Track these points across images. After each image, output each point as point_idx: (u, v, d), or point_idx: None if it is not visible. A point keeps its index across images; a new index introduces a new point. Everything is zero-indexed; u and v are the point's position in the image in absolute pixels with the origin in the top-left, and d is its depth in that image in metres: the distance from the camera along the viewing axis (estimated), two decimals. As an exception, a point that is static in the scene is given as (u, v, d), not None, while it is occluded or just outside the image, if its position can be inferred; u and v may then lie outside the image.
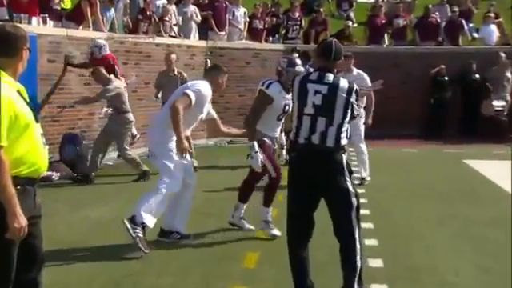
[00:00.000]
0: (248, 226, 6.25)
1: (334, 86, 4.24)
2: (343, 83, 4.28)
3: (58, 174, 9.05)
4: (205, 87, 5.80)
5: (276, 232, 5.93)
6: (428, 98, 14.76)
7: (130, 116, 9.15)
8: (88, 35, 10.72)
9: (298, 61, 6.02)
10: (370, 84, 8.81)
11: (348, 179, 4.25)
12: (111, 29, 12.12)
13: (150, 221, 5.49)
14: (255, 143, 5.67)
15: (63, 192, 8.23)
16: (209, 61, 13.39)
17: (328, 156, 4.22)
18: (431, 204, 7.73)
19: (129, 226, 5.41)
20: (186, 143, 5.57)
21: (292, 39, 15.71)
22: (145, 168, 9.02)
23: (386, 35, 16.17)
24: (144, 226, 5.46)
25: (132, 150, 9.31)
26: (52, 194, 7.80)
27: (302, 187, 4.30)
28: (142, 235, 5.44)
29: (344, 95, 4.24)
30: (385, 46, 16.07)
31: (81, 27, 11.15)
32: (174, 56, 10.21)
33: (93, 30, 11.14)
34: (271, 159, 5.92)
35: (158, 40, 12.42)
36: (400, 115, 14.31)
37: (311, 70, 5.27)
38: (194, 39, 14.05)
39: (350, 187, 4.24)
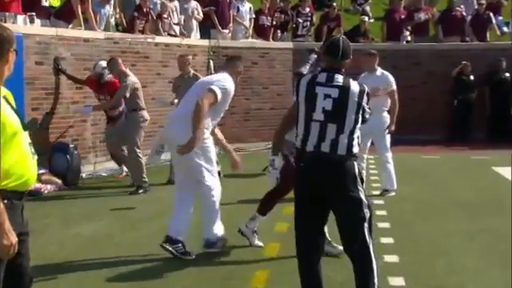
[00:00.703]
0: (257, 242, 6.24)
1: (344, 89, 4.23)
2: (354, 85, 4.26)
3: (53, 186, 9.10)
4: (230, 83, 5.92)
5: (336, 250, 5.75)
6: (452, 99, 14.76)
7: (146, 114, 9.20)
8: (80, 35, 10.76)
9: None
10: (394, 86, 8.77)
11: (361, 188, 4.25)
12: (106, 28, 12.15)
13: (219, 230, 5.95)
14: (276, 159, 5.56)
15: (54, 207, 8.25)
16: (212, 62, 13.41)
17: (339, 165, 4.21)
18: (457, 216, 7.70)
19: (211, 250, 5.91)
20: (195, 146, 5.61)
21: (302, 36, 15.74)
22: (146, 179, 9.03)
23: (405, 31, 16.16)
24: (221, 239, 5.95)
25: (143, 156, 9.14)
26: (42, 208, 7.84)
27: (311, 198, 4.28)
28: (221, 246, 5.97)
29: (356, 99, 4.23)
30: (404, 43, 16.08)
31: (71, 26, 11.19)
32: (189, 57, 10.23)
33: (85, 29, 11.18)
34: None
35: (156, 39, 12.45)
36: (421, 118, 14.31)
37: None
38: (195, 38, 14.07)
39: (363, 197, 4.24)
